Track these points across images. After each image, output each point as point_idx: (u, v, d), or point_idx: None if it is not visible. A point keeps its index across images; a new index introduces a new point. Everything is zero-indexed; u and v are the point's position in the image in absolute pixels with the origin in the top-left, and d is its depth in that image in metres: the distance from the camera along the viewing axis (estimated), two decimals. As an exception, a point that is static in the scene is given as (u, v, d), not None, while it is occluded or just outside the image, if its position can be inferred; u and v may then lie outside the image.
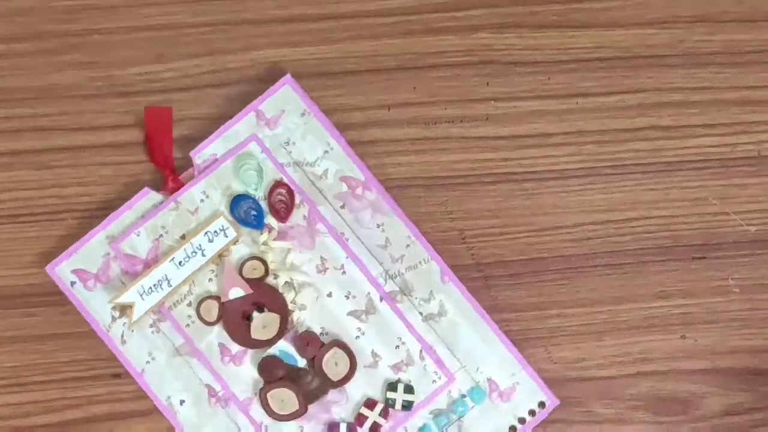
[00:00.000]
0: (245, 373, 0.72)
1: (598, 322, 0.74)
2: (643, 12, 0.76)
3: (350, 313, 0.72)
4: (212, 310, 0.72)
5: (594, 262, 0.74)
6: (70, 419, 0.73)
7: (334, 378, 0.71)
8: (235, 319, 0.72)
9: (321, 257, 0.72)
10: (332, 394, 0.72)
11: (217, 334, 0.72)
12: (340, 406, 0.72)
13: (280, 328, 0.72)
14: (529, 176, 0.75)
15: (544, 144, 0.75)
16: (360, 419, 0.71)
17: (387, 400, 0.72)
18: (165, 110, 0.73)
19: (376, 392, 0.72)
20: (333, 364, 0.71)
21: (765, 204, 0.75)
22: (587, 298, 0.74)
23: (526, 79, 0.75)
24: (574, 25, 0.75)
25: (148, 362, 0.72)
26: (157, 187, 0.73)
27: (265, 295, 0.72)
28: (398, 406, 0.71)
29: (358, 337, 0.72)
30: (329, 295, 0.72)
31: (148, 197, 0.72)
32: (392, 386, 0.72)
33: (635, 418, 0.74)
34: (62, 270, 0.72)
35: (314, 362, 0.71)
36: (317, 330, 0.72)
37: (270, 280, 0.72)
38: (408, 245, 0.73)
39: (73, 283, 0.72)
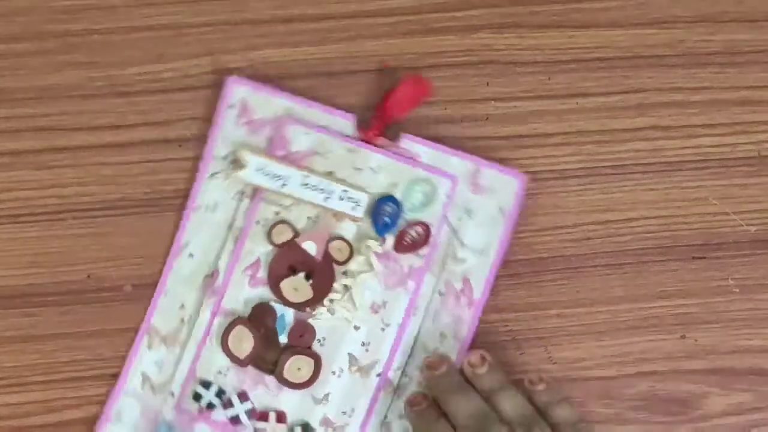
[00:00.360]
0: (246, 296, 0.71)
1: (598, 322, 0.74)
2: (643, 12, 0.76)
3: (350, 354, 0.72)
4: (282, 236, 0.71)
5: (594, 262, 0.74)
6: (70, 419, 0.73)
7: (286, 375, 0.71)
8: (284, 262, 0.71)
9: (384, 302, 0.72)
10: (270, 381, 0.71)
11: (265, 253, 0.72)
12: (264, 393, 0.71)
13: (302, 303, 0.71)
14: (529, 176, 0.74)
15: (544, 144, 0.75)
16: (263, 416, 0.71)
17: (292, 430, 0.71)
18: (427, 84, 0.72)
19: (294, 418, 0.71)
20: (296, 368, 0.71)
21: (765, 204, 0.75)
22: (587, 298, 0.74)
23: (526, 79, 0.75)
24: (574, 25, 0.75)
25: (206, 208, 0.72)
26: (360, 126, 0.73)
27: (322, 274, 0.71)
28: None
29: (334, 372, 0.72)
30: (356, 327, 0.72)
31: (345, 123, 0.72)
32: (306, 428, 0.71)
33: (635, 418, 0.74)
34: (237, 91, 0.72)
35: (288, 350, 0.71)
36: (318, 335, 0.72)
37: (338, 269, 0.72)
38: None
39: (231, 106, 0.72)
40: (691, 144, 0.75)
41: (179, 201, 0.74)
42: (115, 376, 0.73)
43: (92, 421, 0.73)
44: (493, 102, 0.75)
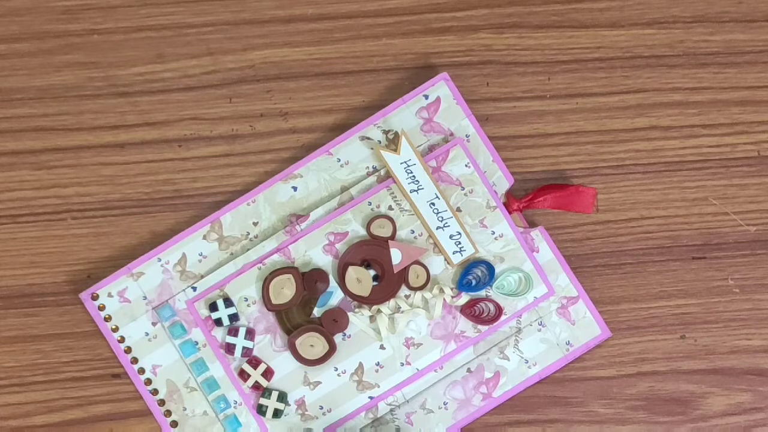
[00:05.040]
0: (313, 255, 0.72)
1: (598, 322, 0.74)
2: (643, 12, 0.76)
3: (361, 364, 0.72)
4: (380, 230, 0.72)
5: (594, 262, 0.74)
6: (70, 419, 0.73)
7: (298, 344, 0.71)
8: (365, 251, 0.72)
9: (420, 344, 0.72)
10: (281, 338, 0.72)
11: (356, 232, 0.72)
12: (268, 344, 0.72)
13: (356, 295, 0.72)
14: (529, 176, 0.75)
15: (544, 144, 0.75)
16: (255, 362, 0.71)
17: (270, 390, 0.72)
18: (593, 203, 0.73)
19: (278, 383, 0.72)
20: (310, 344, 0.72)
21: (765, 204, 0.75)
22: (587, 298, 0.74)
23: (526, 79, 0.75)
24: (574, 25, 0.75)
25: (337, 159, 0.73)
26: (512, 192, 0.73)
27: (389, 284, 0.72)
28: (270, 408, 0.72)
29: (337, 369, 0.72)
30: (382, 347, 0.72)
31: (502, 181, 0.73)
32: (281, 397, 0.72)
33: (635, 418, 0.74)
34: (440, 87, 0.73)
35: (314, 324, 0.72)
36: (347, 331, 0.72)
37: (400, 295, 0.72)
38: None
39: (425, 96, 0.73)
40: (691, 144, 0.75)
41: (179, 201, 0.74)
42: (116, 376, 0.73)
43: (92, 420, 0.73)
44: (493, 102, 0.75)
